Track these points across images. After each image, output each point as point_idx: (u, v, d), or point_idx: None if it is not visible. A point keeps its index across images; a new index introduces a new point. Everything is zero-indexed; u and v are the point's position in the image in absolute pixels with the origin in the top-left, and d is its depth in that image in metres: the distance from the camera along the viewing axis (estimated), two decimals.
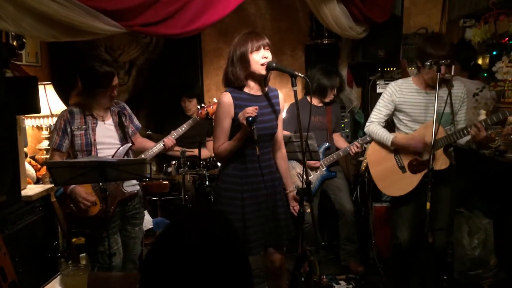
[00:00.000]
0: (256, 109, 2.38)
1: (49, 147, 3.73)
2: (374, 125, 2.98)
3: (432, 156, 2.50)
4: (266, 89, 2.61)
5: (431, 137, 2.72)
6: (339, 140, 3.95)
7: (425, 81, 2.79)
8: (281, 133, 2.73)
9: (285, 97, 4.83)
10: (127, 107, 3.01)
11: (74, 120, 2.74)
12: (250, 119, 2.34)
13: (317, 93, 3.76)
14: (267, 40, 2.49)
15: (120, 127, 2.86)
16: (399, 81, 2.95)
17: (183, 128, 3.23)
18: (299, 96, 2.65)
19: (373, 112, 3.01)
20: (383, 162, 2.98)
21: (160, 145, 3.02)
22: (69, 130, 2.73)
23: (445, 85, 2.68)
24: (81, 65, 2.78)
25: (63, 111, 2.81)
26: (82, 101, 2.76)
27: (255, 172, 2.52)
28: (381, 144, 2.97)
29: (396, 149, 2.91)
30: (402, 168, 2.90)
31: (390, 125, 3.10)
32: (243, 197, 2.53)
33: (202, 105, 3.31)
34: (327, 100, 3.82)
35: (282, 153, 2.75)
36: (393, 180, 2.93)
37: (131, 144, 2.88)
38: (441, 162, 2.72)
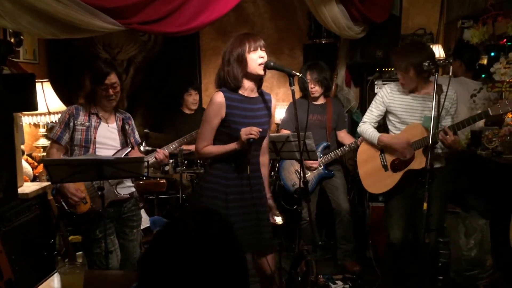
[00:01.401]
0: (260, 131, 2.38)
1: (46, 145, 3.73)
2: (366, 125, 3.08)
3: (428, 154, 2.53)
4: (259, 91, 2.58)
5: (414, 137, 2.83)
6: (345, 137, 3.90)
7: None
8: (267, 140, 2.70)
9: (283, 97, 4.89)
10: (132, 119, 3.02)
11: (79, 116, 2.76)
12: (252, 140, 2.35)
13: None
14: (263, 41, 2.48)
15: (123, 132, 2.87)
16: (392, 84, 3.03)
17: (185, 140, 3.24)
18: (297, 96, 2.65)
19: (365, 113, 3.12)
20: (369, 161, 3.09)
21: (151, 159, 2.99)
22: (71, 124, 2.74)
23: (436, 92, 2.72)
24: (87, 64, 2.83)
25: (70, 106, 2.84)
26: (88, 101, 2.79)
27: (242, 189, 2.52)
28: (370, 143, 3.07)
29: (382, 149, 3.01)
30: (385, 166, 3.00)
31: (383, 128, 3.16)
32: (227, 199, 2.50)
33: (197, 99, 3.30)
34: (312, 95, 3.75)
35: (265, 159, 2.71)
36: (376, 178, 3.04)
37: (131, 149, 2.88)
38: (419, 162, 2.79)
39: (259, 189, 2.61)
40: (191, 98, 4.30)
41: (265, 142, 2.68)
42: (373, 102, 3.06)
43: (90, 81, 2.74)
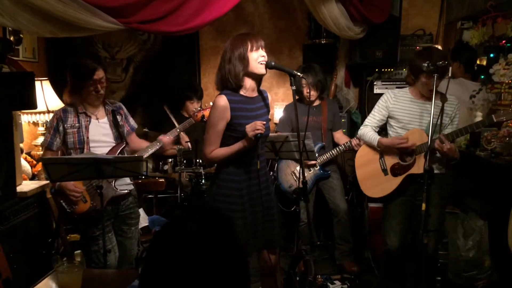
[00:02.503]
0: (264, 124, 2.38)
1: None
2: (366, 128, 3.08)
3: (426, 157, 2.54)
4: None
5: (415, 142, 2.82)
6: (341, 138, 3.88)
7: (419, 92, 2.88)
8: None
9: (282, 97, 4.90)
10: (123, 107, 2.98)
11: (67, 118, 2.72)
12: (259, 135, 2.35)
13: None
14: (263, 41, 2.48)
15: (115, 125, 2.84)
16: (396, 90, 3.04)
17: (178, 130, 3.23)
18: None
19: (367, 117, 3.12)
20: (368, 164, 3.09)
21: (156, 144, 2.99)
22: (61, 128, 2.71)
23: (439, 98, 2.72)
24: (69, 60, 2.75)
25: (57, 110, 2.80)
26: (73, 99, 2.74)
27: (254, 188, 2.54)
28: (370, 146, 3.07)
29: (381, 152, 3.01)
30: (384, 170, 3.00)
31: (383, 133, 3.17)
32: (243, 201, 2.52)
33: (198, 108, 3.30)
34: (309, 98, 3.72)
35: None
36: (375, 182, 3.03)
37: (125, 144, 2.86)
38: (420, 166, 2.77)
39: (268, 185, 2.63)
40: (193, 106, 4.30)
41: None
42: (376, 106, 3.05)
43: (77, 77, 2.68)
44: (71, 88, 2.74)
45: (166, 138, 3.03)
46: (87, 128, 2.74)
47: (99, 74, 2.69)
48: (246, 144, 2.41)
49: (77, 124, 2.73)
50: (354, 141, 3.58)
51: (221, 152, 2.47)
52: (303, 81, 3.61)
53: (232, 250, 1.03)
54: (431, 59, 2.66)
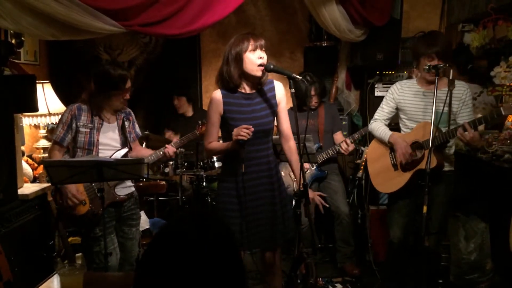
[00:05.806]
0: (250, 132, 2.34)
1: (46, 146, 3.73)
2: (377, 122, 3.05)
3: (429, 157, 2.51)
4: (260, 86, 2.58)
5: (424, 136, 2.78)
6: (339, 140, 3.86)
7: (424, 79, 2.83)
8: (287, 123, 2.66)
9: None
10: (132, 114, 3.01)
11: (81, 116, 2.73)
12: (241, 142, 2.34)
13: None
14: (263, 41, 2.47)
15: (123, 131, 2.87)
16: (404, 81, 3.01)
17: (183, 141, 3.24)
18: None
19: (377, 111, 3.09)
20: (379, 159, 3.06)
21: (159, 153, 3.00)
22: (74, 125, 2.72)
23: (447, 85, 2.67)
24: (95, 68, 2.77)
25: (71, 105, 2.79)
26: (93, 101, 2.75)
27: (240, 188, 2.52)
28: (380, 141, 3.04)
29: (392, 147, 2.97)
30: (394, 165, 2.96)
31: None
32: (238, 201, 2.52)
33: (204, 120, 3.27)
34: (311, 106, 3.80)
35: (290, 146, 2.65)
36: (386, 177, 3.00)
37: (128, 149, 2.89)
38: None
39: (271, 181, 2.60)
40: (174, 103, 4.43)
41: (286, 129, 2.65)
42: (384, 99, 3.03)
43: (107, 84, 2.70)
44: (96, 94, 2.74)
45: (171, 148, 3.02)
46: (98, 130, 2.76)
47: (129, 82, 2.77)
48: (231, 147, 2.42)
49: (90, 125, 2.74)
50: (343, 146, 3.59)
51: (214, 146, 2.55)
52: (312, 91, 3.70)
53: (228, 252, 1.03)
54: (434, 42, 2.68)
